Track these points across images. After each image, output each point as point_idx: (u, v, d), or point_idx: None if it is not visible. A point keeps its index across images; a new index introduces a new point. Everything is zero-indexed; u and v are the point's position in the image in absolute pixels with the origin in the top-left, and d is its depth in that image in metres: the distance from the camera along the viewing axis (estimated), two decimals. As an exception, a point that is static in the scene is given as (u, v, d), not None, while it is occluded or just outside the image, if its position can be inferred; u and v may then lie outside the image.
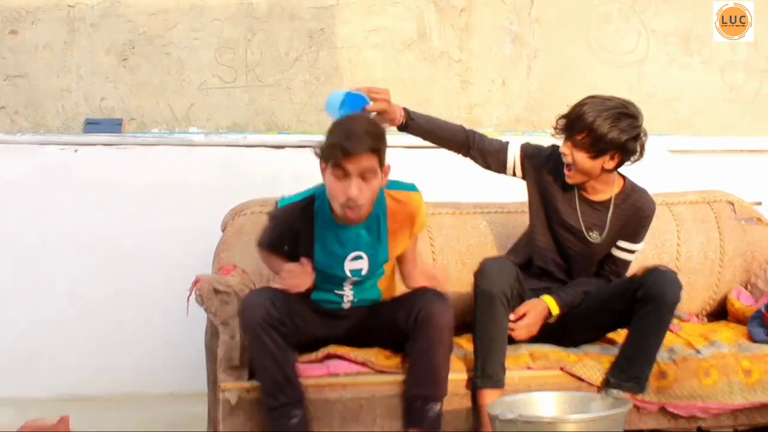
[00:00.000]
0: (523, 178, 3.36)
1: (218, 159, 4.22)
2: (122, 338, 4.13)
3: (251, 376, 3.04)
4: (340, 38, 4.46)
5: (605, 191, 3.30)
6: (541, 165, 3.32)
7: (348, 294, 3.07)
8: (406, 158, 4.31)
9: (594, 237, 3.30)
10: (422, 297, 2.97)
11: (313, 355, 3.09)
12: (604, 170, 3.21)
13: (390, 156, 4.22)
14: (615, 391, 2.96)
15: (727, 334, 3.50)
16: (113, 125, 4.24)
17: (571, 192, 3.31)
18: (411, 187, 3.06)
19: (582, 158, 3.16)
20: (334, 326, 3.11)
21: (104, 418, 3.77)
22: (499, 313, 3.08)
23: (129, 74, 4.32)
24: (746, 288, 3.84)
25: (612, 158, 3.17)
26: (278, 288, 2.98)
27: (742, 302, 3.73)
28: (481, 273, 3.10)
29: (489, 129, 4.55)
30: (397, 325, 2.98)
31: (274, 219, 3.07)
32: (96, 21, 4.28)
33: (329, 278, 3.02)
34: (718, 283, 3.84)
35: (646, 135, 3.20)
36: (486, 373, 3.06)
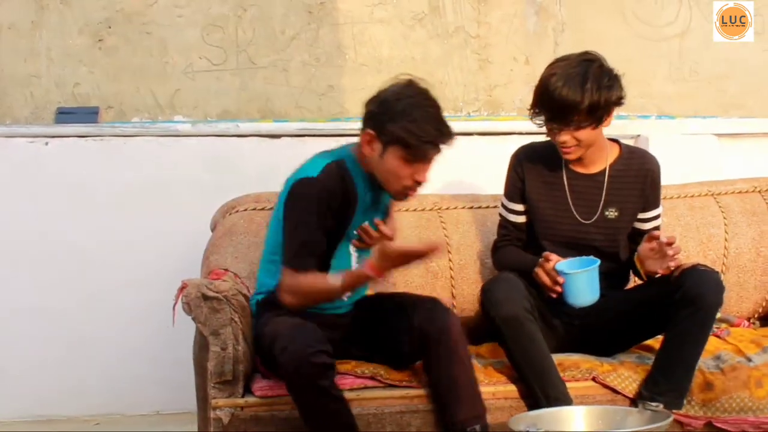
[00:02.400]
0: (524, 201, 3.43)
1: (207, 151, 4.25)
2: (98, 353, 4.16)
3: (246, 392, 3.07)
4: (342, 13, 4.48)
5: (600, 158, 3.37)
6: (532, 172, 3.40)
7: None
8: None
9: (612, 213, 3.35)
10: (420, 310, 3.03)
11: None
12: (602, 129, 3.29)
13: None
14: (654, 404, 2.98)
15: (782, 339, 3.51)
16: (88, 114, 4.27)
17: (560, 173, 3.37)
18: None
19: (586, 134, 3.23)
20: (331, 336, 3.14)
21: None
22: (533, 330, 3.14)
23: (105, 57, 4.35)
24: (803, 287, 3.85)
25: (609, 115, 3.25)
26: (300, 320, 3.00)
27: (799, 304, 3.75)
28: (492, 300, 3.15)
29: (511, 113, 4.57)
30: (401, 349, 3.08)
31: (317, 192, 3.00)
32: (67, -3, 4.32)
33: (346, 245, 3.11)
34: (772, 282, 3.85)
35: (618, 72, 3.26)
36: (551, 396, 3.10)
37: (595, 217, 3.35)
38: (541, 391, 3.11)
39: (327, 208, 3.02)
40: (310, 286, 3.02)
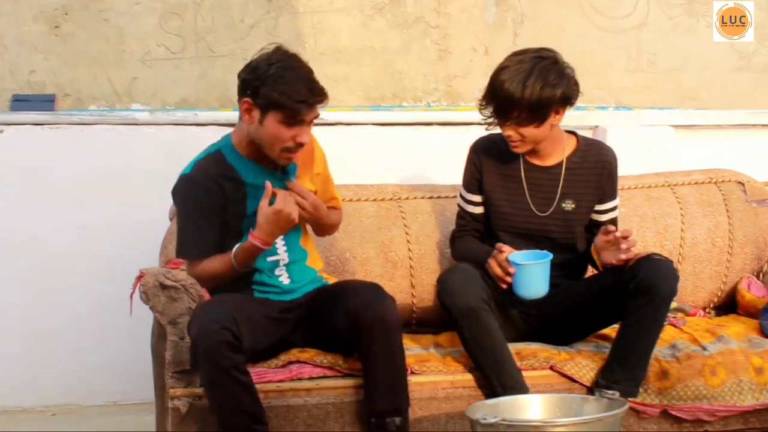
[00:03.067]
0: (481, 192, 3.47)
1: (165, 140, 4.24)
2: (54, 344, 4.15)
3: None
4: (301, 2, 4.49)
5: (556, 151, 3.41)
6: (489, 164, 3.44)
7: (283, 257, 3.19)
8: (378, 135, 4.38)
9: (568, 205, 3.40)
10: (356, 296, 3.06)
11: (273, 362, 3.14)
12: (553, 127, 3.32)
13: (361, 133, 4.31)
14: (611, 392, 3.03)
15: (736, 328, 3.58)
16: (44, 102, 4.24)
17: (517, 165, 3.41)
18: None
19: (530, 131, 3.26)
20: (282, 325, 3.19)
21: (36, 433, 3.82)
22: (488, 320, 3.16)
23: (62, 44, 4.33)
24: (758, 277, 3.93)
25: (557, 113, 3.28)
26: (220, 298, 3.08)
27: (753, 293, 3.81)
28: (447, 290, 3.17)
29: (471, 103, 4.60)
30: (339, 334, 3.10)
31: (188, 188, 3.13)
32: (22, -18, 4.29)
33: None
34: (727, 272, 3.93)
35: (572, 70, 3.30)
36: (507, 385, 3.13)
37: (551, 210, 3.40)
38: (497, 380, 3.15)
39: (201, 200, 3.11)
40: (205, 270, 3.13)
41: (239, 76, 3.08)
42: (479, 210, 3.48)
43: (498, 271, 3.23)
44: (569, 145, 3.43)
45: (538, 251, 3.25)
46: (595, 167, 3.42)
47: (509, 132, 3.27)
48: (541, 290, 3.22)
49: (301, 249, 3.26)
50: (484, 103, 3.31)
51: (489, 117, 3.31)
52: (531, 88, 3.18)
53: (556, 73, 3.23)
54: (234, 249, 3.08)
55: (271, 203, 3.04)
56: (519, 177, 3.41)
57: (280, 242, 3.19)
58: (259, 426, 2.96)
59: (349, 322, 3.03)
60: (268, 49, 3.09)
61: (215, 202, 3.12)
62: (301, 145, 3.06)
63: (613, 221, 3.47)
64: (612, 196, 3.47)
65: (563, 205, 3.40)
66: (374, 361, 3.03)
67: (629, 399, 3.17)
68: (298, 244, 3.25)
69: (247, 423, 2.94)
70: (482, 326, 3.16)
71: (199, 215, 3.13)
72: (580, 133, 3.52)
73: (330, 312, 3.12)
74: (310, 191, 3.17)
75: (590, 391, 3.22)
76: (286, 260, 3.21)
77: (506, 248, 3.24)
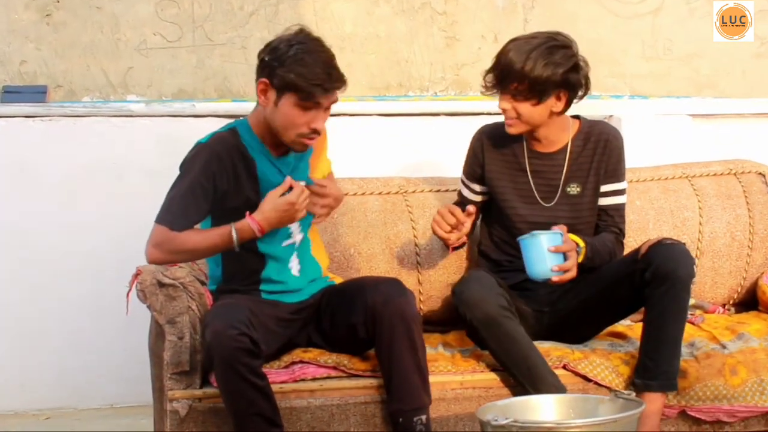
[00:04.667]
0: (483, 183, 3.48)
1: (161, 132, 4.24)
2: (48, 345, 4.16)
3: (204, 383, 3.08)
4: (303, -13, 4.50)
5: (561, 138, 3.41)
6: (493, 153, 3.45)
7: (296, 239, 3.21)
8: (383, 126, 4.37)
9: (573, 189, 3.40)
10: (376, 290, 3.06)
11: (275, 364, 3.14)
12: (553, 114, 3.32)
13: (366, 124, 4.29)
14: (626, 392, 3.02)
15: (757, 326, 3.57)
16: (36, 93, 4.25)
17: (521, 153, 3.43)
18: None
19: (526, 108, 3.27)
20: (290, 327, 3.19)
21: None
22: (512, 326, 3.17)
23: (53, 33, 4.32)
24: (779, 273, 3.92)
25: (558, 99, 3.28)
26: (232, 300, 3.06)
27: (775, 289, 3.81)
28: (465, 302, 3.16)
29: (479, 93, 4.58)
30: (355, 330, 3.10)
31: (202, 155, 3.10)
32: (12, -31, 4.29)
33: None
34: (747, 267, 3.91)
35: (587, 64, 3.31)
36: (543, 390, 3.11)
37: (557, 198, 3.40)
38: (531, 386, 3.14)
39: (208, 172, 3.09)
40: (185, 242, 3.08)
41: (259, 55, 3.10)
42: (477, 198, 3.50)
43: (437, 218, 3.26)
44: (573, 129, 3.44)
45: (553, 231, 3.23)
46: (597, 146, 3.42)
47: (505, 104, 3.28)
48: (539, 270, 3.18)
49: (308, 237, 3.28)
50: (489, 74, 3.31)
51: (490, 85, 3.31)
52: (534, 61, 3.20)
53: (563, 54, 3.24)
54: (232, 224, 3.06)
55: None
56: (523, 166, 3.42)
57: (295, 225, 3.19)
58: (275, 429, 2.96)
59: (369, 317, 3.04)
60: (291, 29, 3.09)
61: (226, 174, 3.10)
62: (316, 131, 3.07)
63: (618, 207, 3.46)
64: (614, 176, 3.44)
65: (568, 189, 3.41)
66: (398, 358, 3.03)
67: (668, 393, 3.20)
68: (307, 230, 3.27)
69: (263, 427, 2.94)
70: (507, 334, 3.16)
71: (199, 188, 3.09)
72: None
73: (347, 308, 3.12)
74: (332, 192, 3.17)
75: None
76: (298, 243, 3.22)
77: (471, 208, 3.29)
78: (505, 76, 3.25)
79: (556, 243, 3.17)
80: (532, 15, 4.67)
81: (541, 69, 3.20)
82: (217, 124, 4.19)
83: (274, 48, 3.05)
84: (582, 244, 3.26)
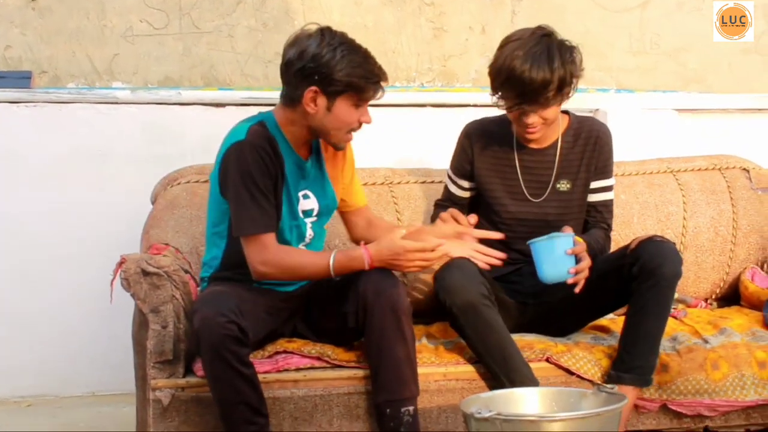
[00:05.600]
0: (472, 179, 3.50)
1: (147, 119, 4.24)
2: (30, 332, 4.15)
3: (187, 373, 3.09)
4: (290, -24, 4.50)
5: (552, 134, 3.44)
6: (482, 150, 3.46)
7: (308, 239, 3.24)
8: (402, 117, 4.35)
9: (563, 185, 3.42)
10: (368, 280, 3.07)
11: (258, 353, 3.15)
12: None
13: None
14: (609, 386, 3.05)
15: (739, 320, 3.60)
16: (20, 79, 4.24)
17: (511, 149, 3.44)
18: None
19: (553, 112, 3.30)
20: (278, 315, 3.20)
21: (9, 424, 3.81)
22: (491, 316, 3.18)
23: (39, 18, 4.31)
24: (762, 268, 3.94)
25: (568, 94, 3.31)
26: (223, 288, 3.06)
27: (758, 284, 3.83)
28: (446, 288, 3.17)
29: (466, 84, 4.61)
30: (345, 320, 3.12)
31: (249, 154, 3.05)
32: (-3, -46, 4.28)
33: (294, 214, 3.17)
34: (730, 262, 3.94)
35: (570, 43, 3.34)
36: (516, 381, 3.14)
37: (546, 194, 3.42)
38: (505, 376, 3.16)
39: (262, 168, 3.06)
40: (291, 257, 3.09)
41: (290, 64, 3.05)
42: (465, 194, 3.53)
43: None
44: (562, 125, 3.46)
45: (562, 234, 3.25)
46: (588, 143, 3.45)
47: (533, 119, 3.28)
48: (552, 272, 3.20)
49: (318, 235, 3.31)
50: (500, 95, 3.30)
51: (511, 106, 3.29)
52: (558, 68, 3.21)
53: (568, 49, 3.27)
54: (334, 252, 3.07)
55: None
56: (513, 163, 3.43)
57: (308, 226, 3.22)
58: (260, 418, 2.98)
59: (360, 307, 3.06)
60: (309, 30, 3.08)
61: (273, 171, 3.09)
62: (363, 124, 3.14)
63: (607, 203, 3.49)
64: (603, 173, 3.48)
65: (558, 185, 3.43)
66: (388, 349, 3.04)
67: (642, 387, 3.23)
68: (322, 233, 3.30)
69: (249, 415, 2.95)
70: (485, 322, 3.17)
71: (264, 184, 3.06)
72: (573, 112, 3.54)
73: (338, 297, 3.13)
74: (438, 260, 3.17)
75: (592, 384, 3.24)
76: (308, 241, 3.24)
77: (473, 219, 3.33)
78: (536, 93, 3.22)
79: (569, 246, 3.20)
80: (520, 7, 4.68)
81: (564, 71, 3.22)
82: (203, 113, 4.25)
83: (315, 55, 3.01)
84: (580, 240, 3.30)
